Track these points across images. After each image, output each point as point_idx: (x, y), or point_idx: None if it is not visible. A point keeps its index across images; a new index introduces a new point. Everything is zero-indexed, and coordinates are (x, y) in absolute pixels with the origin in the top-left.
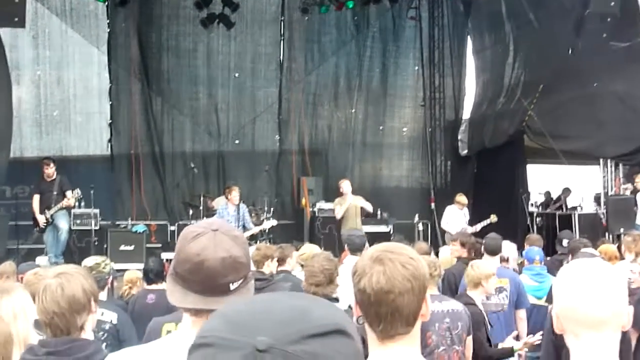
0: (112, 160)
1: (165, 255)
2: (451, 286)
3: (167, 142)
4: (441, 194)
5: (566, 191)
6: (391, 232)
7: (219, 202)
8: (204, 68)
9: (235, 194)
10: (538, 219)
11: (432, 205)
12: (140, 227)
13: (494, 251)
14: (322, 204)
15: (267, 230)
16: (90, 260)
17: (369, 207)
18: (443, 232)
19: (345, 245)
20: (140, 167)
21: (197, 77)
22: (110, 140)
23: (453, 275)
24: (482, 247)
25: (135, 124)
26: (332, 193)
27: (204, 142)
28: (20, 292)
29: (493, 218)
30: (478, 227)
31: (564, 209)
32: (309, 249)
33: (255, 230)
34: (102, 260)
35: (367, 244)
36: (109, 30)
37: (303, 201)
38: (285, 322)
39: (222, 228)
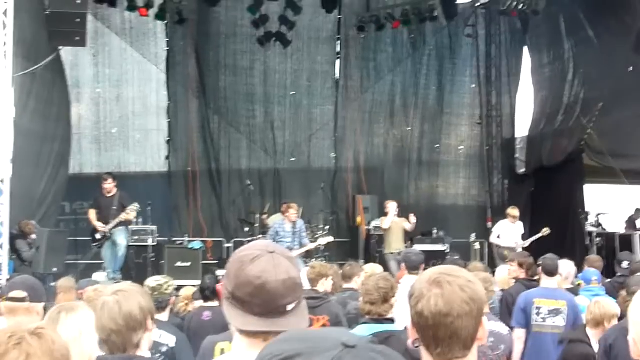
0: (170, 177)
1: (221, 272)
2: (509, 307)
3: (223, 159)
4: (498, 213)
5: (638, 212)
6: (447, 251)
7: (274, 219)
8: (261, 86)
9: (292, 211)
10: (597, 239)
11: (489, 224)
12: (196, 243)
13: (551, 272)
14: (377, 222)
15: (322, 247)
16: (152, 281)
17: (408, 225)
18: (496, 247)
19: (403, 264)
20: (197, 184)
21: (254, 95)
22: (168, 157)
23: (511, 296)
24: (540, 268)
25: (193, 141)
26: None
27: (260, 160)
28: (85, 310)
29: (545, 231)
30: (528, 242)
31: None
32: (371, 268)
33: (311, 246)
34: (165, 282)
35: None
36: (167, 48)
37: (358, 219)
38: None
39: (277, 250)
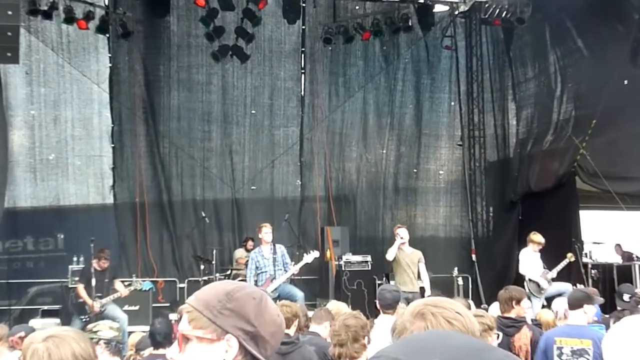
0: (115, 209)
1: (173, 316)
2: None
3: (175, 189)
4: (483, 244)
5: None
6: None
7: (240, 255)
8: (218, 104)
9: (266, 229)
10: (593, 271)
11: (473, 256)
12: (146, 284)
13: (575, 305)
14: (349, 256)
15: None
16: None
17: (425, 278)
18: (528, 281)
19: (377, 302)
20: (146, 217)
21: (210, 114)
22: (112, 187)
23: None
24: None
25: (141, 168)
26: (360, 244)
27: (216, 189)
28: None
29: (570, 257)
30: (554, 272)
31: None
32: (335, 306)
33: (296, 268)
34: (117, 327)
35: (402, 302)
36: (110, 65)
37: (327, 254)
38: (460, 347)
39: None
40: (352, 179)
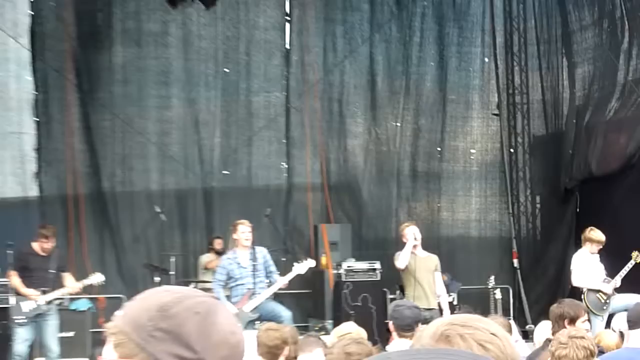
0: (41, 204)
1: None
2: None
3: (120, 176)
4: (528, 246)
5: None
6: (454, 302)
7: (206, 261)
8: (178, 62)
9: (243, 228)
10: None
11: (515, 262)
12: (82, 303)
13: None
14: (352, 263)
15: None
16: None
17: (443, 292)
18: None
19: (390, 322)
20: (82, 215)
21: (168, 75)
22: (37, 175)
23: None
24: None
25: (74, 149)
26: (367, 247)
27: (177, 175)
28: None
29: (636, 256)
30: (618, 279)
31: None
32: (345, 330)
33: (285, 280)
34: None
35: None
36: (31, 12)
37: (323, 260)
38: None
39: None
40: (356, 162)
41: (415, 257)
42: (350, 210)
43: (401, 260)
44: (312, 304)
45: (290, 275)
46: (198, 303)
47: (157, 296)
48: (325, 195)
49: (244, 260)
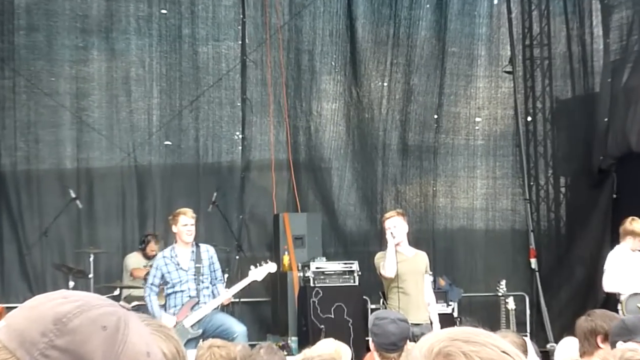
0: None
1: None
2: None
3: (25, 151)
4: (549, 241)
5: None
6: (454, 313)
7: (133, 261)
8: (100, 0)
9: (185, 220)
10: None
11: (533, 262)
12: None
13: None
14: (323, 264)
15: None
16: None
17: (432, 300)
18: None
19: (370, 339)
20: None
21: (86, 19)
22: None
23: None
24: None
25: None
26: (342, 242)
27: (99, 148)
28: None
29: None
30: None
31: None
32: (325, 350)
33: (233, 291)
34: None
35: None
36: None
37: (286, 259)
38: None
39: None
40: (331, 132)
41: (399, 257)
42: (321, 194)
43: (388, 267)
44: (272, 315)
45: (243, 282)
46: (105, 314)
47: (52, 304)
48: (291, 176)
49: (185, 260)
